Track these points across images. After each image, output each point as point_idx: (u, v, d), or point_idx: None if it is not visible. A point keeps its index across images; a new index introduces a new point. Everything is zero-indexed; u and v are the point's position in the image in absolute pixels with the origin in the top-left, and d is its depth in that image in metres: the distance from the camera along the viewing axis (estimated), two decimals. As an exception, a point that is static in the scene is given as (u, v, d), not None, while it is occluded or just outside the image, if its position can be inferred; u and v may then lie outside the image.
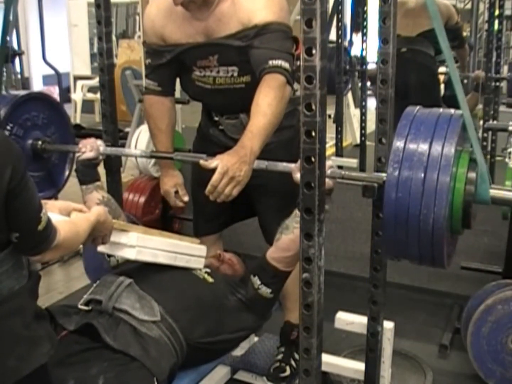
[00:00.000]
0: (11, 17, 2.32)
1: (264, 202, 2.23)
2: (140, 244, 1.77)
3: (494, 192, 1.58)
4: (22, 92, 2.37)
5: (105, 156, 2.15)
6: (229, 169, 1.73)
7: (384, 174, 1.62)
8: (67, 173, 2.43)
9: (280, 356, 2.33)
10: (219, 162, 1.75)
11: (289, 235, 1.80)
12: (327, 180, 1.59)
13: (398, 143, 1.52)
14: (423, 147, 1.49)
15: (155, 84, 2.14)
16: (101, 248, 1.74)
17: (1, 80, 2.37)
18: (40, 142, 2.26)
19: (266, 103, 1.81)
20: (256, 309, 1.86)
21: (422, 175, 1.46)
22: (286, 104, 1.89)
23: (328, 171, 1.62)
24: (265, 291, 1.83)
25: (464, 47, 4.19)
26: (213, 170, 1.79)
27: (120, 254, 1.80)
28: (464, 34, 4.65)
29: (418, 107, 1.63)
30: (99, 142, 2.11)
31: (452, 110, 1.60)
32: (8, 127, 2.17)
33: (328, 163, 1.64)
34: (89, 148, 2.06)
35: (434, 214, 1.45)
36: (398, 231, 1.51)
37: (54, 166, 2.38)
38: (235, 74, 2.01)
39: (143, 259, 1.80)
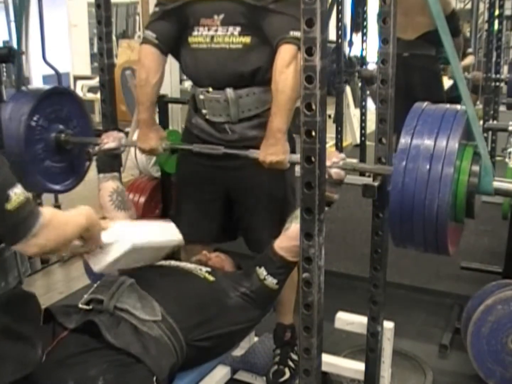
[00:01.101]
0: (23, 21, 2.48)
1: (251, 206, 2.21)
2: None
3: (498, 184, 1.63)
4: (47, 87, 2.48)
5: (125, 149, 2.25)
6: (264, 158, 1.95)
7: (391, 167, 1.67)
8: (87, 164, 2.53)
9: (277, 359, 2.33)
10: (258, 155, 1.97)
11: (298, 224, 1.80)
12: (338, 171, 1.76)
13: (406, 135, 1.59)
14: (429, 139, 1.56)
15: (153, 36, 2.11)
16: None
17: (21, 78, 2.50)
18: (63, 135, 2.37)
19: (282, 80, 1.90)
20: (260, 301, 1.85)
21: (428, 166, 1.54)
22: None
23: (340, 163, 1.76)
24: (271, 281, 1.83)
25: (459, 36, 4.11)
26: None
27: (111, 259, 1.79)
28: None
29: (426, 103, 1.70)
30: (121, 134, 2.21)
31: (458, 106, 1.66)
32: (35, 118, 2.28)
33: (341, 155, 1.81)
34: (111, 139, 2.17)
35: (439, 200, 1.52)
36: (404, 218, 1.58)
37: (76, 157, 2.48)
38: (236, 33, 2.00)
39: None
